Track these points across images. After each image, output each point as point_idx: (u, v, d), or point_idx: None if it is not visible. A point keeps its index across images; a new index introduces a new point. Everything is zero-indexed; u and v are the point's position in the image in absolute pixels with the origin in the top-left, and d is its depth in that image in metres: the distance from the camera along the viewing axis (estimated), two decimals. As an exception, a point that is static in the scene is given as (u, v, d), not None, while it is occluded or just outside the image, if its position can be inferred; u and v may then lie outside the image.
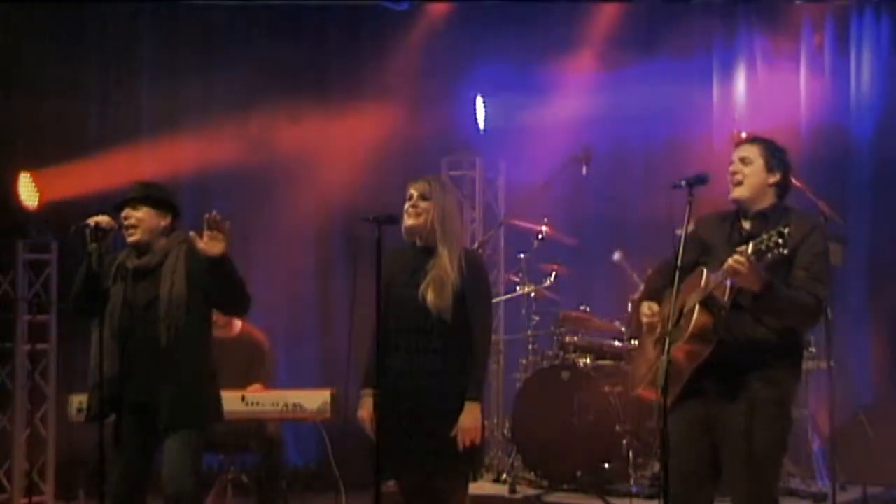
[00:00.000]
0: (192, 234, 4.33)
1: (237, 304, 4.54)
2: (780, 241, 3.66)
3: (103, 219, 4.45)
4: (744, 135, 4.92)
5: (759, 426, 3.94)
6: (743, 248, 3.76)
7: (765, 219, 4.05)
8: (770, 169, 4.09)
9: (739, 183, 4.09)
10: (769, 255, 3.71)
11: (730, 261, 3.78)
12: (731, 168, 4.10)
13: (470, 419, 4.27)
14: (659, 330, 4.17)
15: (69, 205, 6.99)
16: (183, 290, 4.39)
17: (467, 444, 4.25)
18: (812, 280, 3.93)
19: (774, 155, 4.12)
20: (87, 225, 4.41)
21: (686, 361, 3.92)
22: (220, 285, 4.38)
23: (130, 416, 4.42)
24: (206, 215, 4.25)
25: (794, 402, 4.15)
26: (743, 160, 4.09)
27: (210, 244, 4.27)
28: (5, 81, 7.46)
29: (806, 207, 6.14)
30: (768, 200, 4.09)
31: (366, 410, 4.35)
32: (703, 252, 4.06)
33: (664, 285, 4.26)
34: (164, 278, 4.41)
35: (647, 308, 4.19)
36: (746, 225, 4.10)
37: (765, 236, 3.70)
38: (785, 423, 4.07)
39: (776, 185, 4.10)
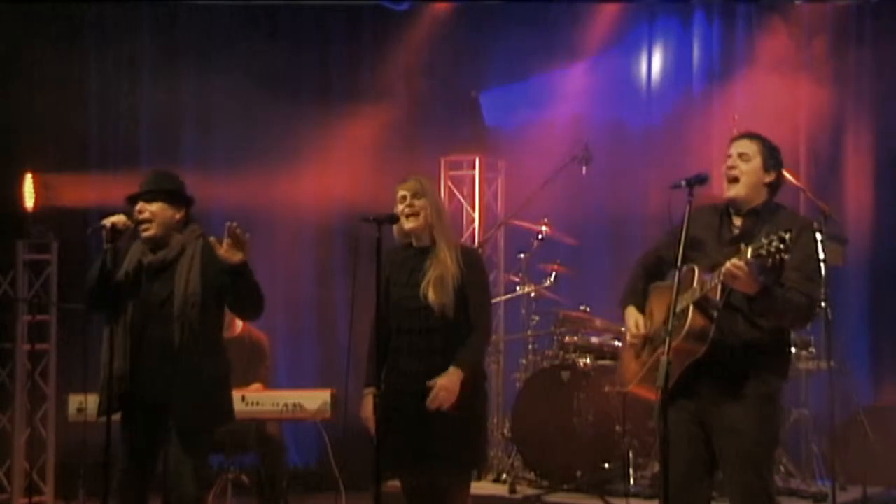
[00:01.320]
0: (212, 239, 4.31)
1: (252, 308, 4.52)
2: (782, 246, 3.65)
3: (119, 219, 4.43)
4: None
5: (750, 422, 3.95)
6: (741, 251, 3.75)
7: (756, 216, 4.05)
8: (767, 168, 4.08)
9: (736, 179, 4.07)
10: (770, 261, 3.70)
11: (728, 265, 3.77)
12: (729, 163, 4.07)
13: (448, 380, 4.25)
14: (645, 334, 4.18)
15: (69, 206, 7.02)
16: (197, 289, 4.37)
17: (435, 405, 4.23)
18: (805, 280, 3.93)
19: (772, 154, 4.11)
20: (104, 226, 4.40)
21: (678, 360, 3.91)
22: (238, 291, 4.37)
23: (140, 415, 4.42)
24: (228, 224, 4.24)
25: (783, 397, 4.16)
26: (741, 156, 4.07)
27: (229, 252, 4.26)
28: (5, 82, 7.47)
29: (806, 207, 6.18)
30: (761, 198, 4.09)
31: (368, 409, 4.35)
32: (690, 246, 4.03)
33: (649, 282, 4.27)
34: (178, 276, 4.39)
35: (634, 324, 4.19)
36: (737, 222, 4.09)
37: (765, 241, 3.68)
38: (776, 418, 4.09)
39: (770, 183, 4.10)
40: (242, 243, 4.25)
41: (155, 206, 4.44)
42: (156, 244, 4.46)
